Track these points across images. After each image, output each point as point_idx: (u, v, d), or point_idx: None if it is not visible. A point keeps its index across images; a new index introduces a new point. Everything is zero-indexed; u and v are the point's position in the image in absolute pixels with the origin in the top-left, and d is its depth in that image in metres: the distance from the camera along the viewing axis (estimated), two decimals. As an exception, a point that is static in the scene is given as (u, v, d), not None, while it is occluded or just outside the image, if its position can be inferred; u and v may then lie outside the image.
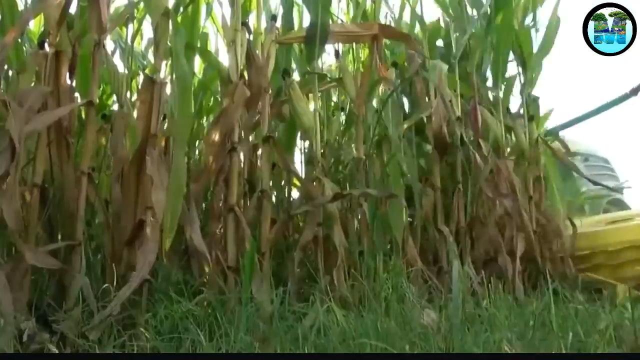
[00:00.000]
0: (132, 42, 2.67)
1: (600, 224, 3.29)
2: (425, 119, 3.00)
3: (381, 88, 3.03)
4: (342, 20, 3.26)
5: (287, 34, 2.74)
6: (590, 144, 5.02)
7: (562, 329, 1.65)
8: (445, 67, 2.99)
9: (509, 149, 3.24)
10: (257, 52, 2.47)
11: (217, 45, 3.30)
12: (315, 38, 2.61)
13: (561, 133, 4.49)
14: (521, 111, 3.39)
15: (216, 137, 2.23)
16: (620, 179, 4.95)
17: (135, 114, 2.24)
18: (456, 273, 1.53)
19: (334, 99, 3.42)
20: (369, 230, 2.54)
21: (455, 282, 1.51)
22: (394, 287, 2.04)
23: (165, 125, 2.41)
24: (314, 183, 2.53)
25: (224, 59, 2.84)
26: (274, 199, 2.80)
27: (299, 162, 3.05)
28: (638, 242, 3.04)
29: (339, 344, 1.61)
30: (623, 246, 3.04)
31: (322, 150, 2.71)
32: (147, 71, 2.77)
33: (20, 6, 2.25)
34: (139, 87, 2.28)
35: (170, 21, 2.13)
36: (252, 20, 2.66)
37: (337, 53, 2.96)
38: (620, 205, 4.42)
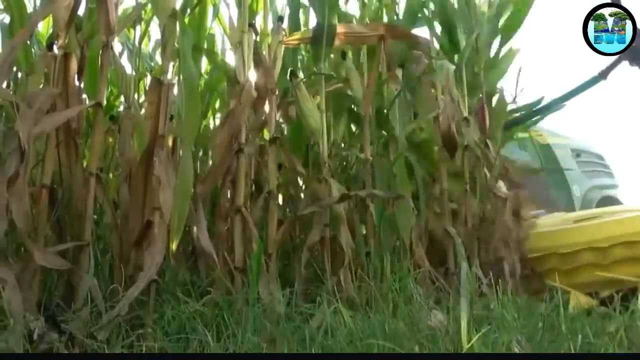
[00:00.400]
0: (140, 43, 2.68)
1: (569, 223, 3.01)
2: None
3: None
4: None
5: (294, 35, 2.74)
6: (584, 139, 4.84)
7: (571, 331, 1.63)
8: (452, 67, 2.98)
9: None
10: (264, 53, 2.47)
11: (224, 46, 3.31)
12: (322, 39, 2.61)
13: (552, 127, 4.37)
14: None
15: (223, 138, 2.23)
16: (615, 176, 4.78)
17: (142, 115, 2.25)
18: (464, 275, 1.51)
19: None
20: (375, 231, 2.53)
21: (464, 283, 1.50)
22: (402, 288, 2.03)
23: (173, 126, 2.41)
24: (321, 184, 2.53)
25: (231, 60, 2.85)
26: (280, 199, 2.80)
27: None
28: (596, 244, 2.74)
29: (346, 345, 1.61)
30: (578, 248, 2.77)
31: (328, 152, 2.71)
32: (154, 72, 2.78)
33: (29, 8, 2.27)
34: (147, 88, 2.28)
35: (177, 23, 2.14)
36: (258, 22, 2.67)
37: (343, 54, 2.95)
38: (614, 203, 4.24)
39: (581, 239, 2.84)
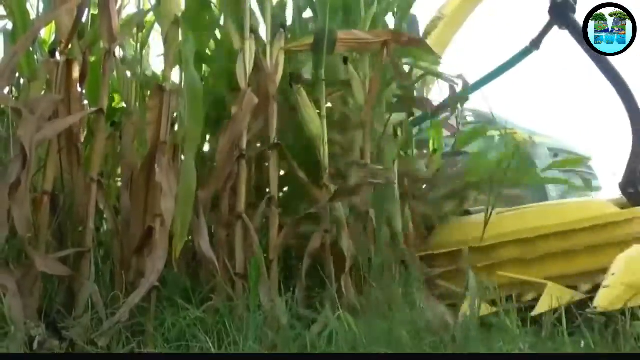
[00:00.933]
0: (142, 50, 2.68)
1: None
2: None
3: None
4: None
5: (295, 41, 2.72)
6: (565, 139, 4.61)
7: (573, 340, 1.63)
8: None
9: None
10: (266, 59, 2.46)
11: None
12: (323, 45, 2.60)
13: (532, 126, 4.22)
14: None
15: (224, 144, 2.23)
16: (598, 178, 4.64)
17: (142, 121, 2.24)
18: (473, 281, 1.48)
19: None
20: (376, 237, 2.52)
21: (473, 290, 1.46)
22: (404, 294, 2.02)
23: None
24: (322, 190, 2.52)
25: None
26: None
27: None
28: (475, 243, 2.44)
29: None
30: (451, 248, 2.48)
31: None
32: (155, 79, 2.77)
33: (32, 15, 2.27)
34: (149, 94, 2.28)
35: (179, 30, 2.15)
36: (260, 28, 2.66)
37: (345, 59, 2.93)
38: None
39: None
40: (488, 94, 3.18)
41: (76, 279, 1.91)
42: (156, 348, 1.76)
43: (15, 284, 1.72)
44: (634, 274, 1.95)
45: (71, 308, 1.86)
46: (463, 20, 3.57)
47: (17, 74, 2.28)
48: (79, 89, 2.12)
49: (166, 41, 2.15)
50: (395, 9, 3.00)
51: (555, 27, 2.77)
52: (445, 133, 3.58)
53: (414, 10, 3.27)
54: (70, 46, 2.09)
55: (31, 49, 2.32)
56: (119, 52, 2.56)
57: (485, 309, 1.98)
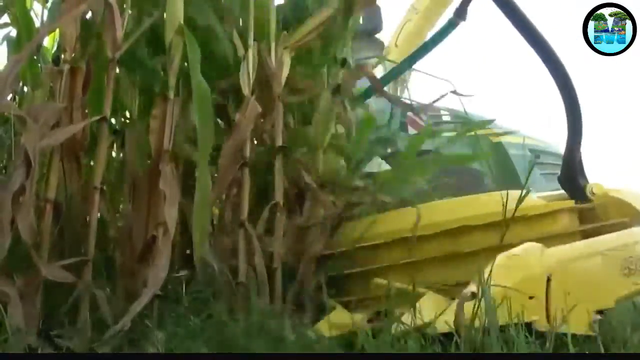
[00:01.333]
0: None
1: None
2: None
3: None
4: None
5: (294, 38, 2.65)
6: (547, 139, 4.41)
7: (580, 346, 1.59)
8: None
9: None
10: (271, 60, 2.43)
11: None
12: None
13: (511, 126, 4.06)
14: None
15: (228, 151, 2.22)
16: (588, 181, 4.44)
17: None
18: (489, 300, 1.38)
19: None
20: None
21: (488, 302, 1.39)
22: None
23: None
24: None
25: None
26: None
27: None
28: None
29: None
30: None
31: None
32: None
33: (36, 23, 2.28)
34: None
35: (184, 37, 2.14)
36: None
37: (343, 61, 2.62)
38: None
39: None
40: (467, 93, 3.06)
41: (78, 287, 1.91)
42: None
43: (16, 292, 1.72)
44: (503, 281, 1.44)
45: (72, 317, 1.85)
46: (437, 16, 3.51)
47: (20, 82, 2.28)
48: (82, 97, 2.12)
49: (170, 49, 2.14)
50: None
51: None
52: (411, 130, 3.51)
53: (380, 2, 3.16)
54: (74, 54, 2.09)
55: (35, 57, 2.33)
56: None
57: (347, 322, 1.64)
